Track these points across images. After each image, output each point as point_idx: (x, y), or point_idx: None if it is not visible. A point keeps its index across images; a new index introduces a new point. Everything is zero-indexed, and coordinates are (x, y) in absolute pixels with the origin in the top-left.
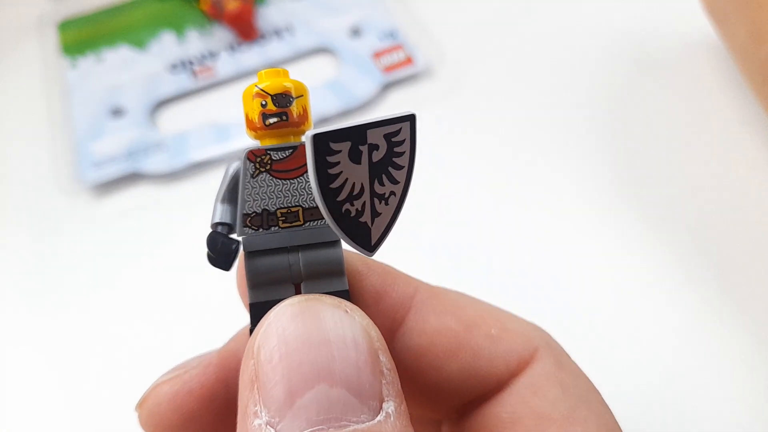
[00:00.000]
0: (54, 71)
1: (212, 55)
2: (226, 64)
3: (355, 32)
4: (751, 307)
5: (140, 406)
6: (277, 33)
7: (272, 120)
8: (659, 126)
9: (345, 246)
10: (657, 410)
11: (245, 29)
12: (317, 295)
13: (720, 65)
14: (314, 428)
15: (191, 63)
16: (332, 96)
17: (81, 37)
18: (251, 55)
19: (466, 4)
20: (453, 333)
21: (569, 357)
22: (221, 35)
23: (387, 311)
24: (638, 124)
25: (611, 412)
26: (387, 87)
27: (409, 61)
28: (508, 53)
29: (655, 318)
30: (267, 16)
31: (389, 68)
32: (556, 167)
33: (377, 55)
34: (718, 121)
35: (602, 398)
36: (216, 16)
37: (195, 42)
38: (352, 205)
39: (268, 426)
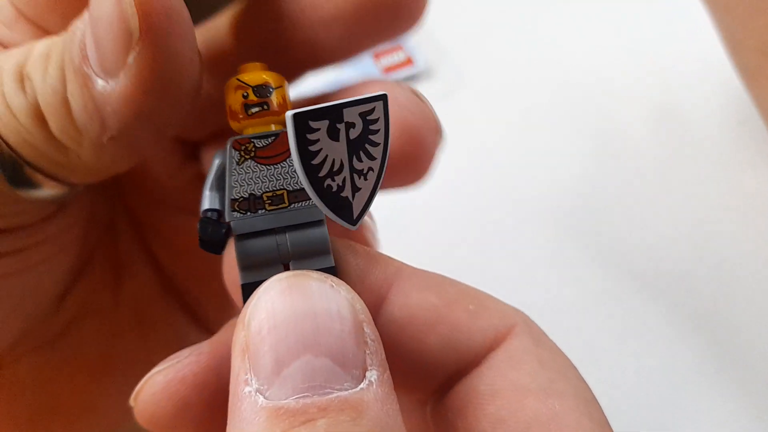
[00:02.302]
0: None
1: None
2: None
3: None
4: (749, 311)
5: (135, 398)
6: None
7: (254, 110)
8: (655, 121)
9: (331, 226)
10: (649, 409)
11: None
12: (305, 271)
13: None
14: (300, 395)
15: None
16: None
17: None
18: None
19: (466, 6)
20: (433, 307)
21: (547, 336)
22: None
23: (371, 288)
24: (638, 122)
25: (589, 387)
26: None
27: (409, 62)
28: (507, 55)
29: (652, 320)
30: None
31: (389, 69)
32: (556, 167)
33: (377, 55)
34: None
35: (580, 374)
36: None
37: None
38: (333, 180)
39: (257, 393)
